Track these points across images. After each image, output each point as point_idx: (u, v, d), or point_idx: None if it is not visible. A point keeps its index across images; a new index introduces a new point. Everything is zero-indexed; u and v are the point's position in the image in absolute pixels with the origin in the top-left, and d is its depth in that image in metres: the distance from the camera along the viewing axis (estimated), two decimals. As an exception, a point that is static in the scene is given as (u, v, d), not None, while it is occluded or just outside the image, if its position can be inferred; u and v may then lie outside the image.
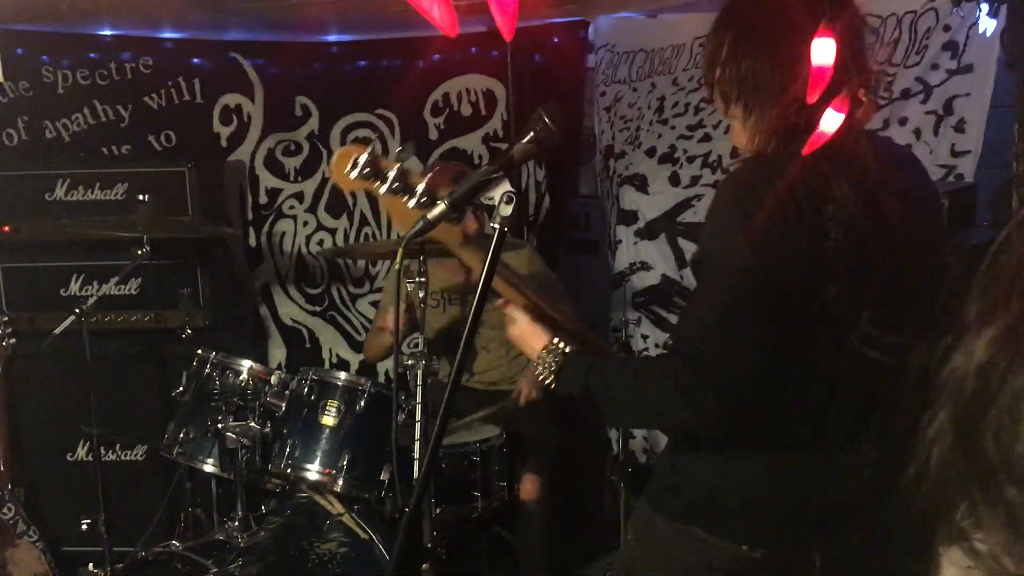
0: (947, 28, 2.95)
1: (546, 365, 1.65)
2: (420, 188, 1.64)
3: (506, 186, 1.44)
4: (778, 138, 1.48)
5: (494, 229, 1.44)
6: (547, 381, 1.66)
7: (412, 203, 1.63)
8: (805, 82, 1.38)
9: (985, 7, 2.40)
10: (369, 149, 1.69)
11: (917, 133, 3.10)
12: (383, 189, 1.66)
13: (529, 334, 1.70)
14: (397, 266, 1.51)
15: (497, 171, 1.45)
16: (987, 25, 2.54)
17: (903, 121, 3.13)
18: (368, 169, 1.67)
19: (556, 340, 1.66)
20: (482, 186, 1.45)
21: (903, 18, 3.07)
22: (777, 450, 1.58)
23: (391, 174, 1.65)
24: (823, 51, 1.33)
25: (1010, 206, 2.61)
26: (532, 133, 1.43)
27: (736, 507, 1.59)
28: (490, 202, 1.45)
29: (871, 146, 1.53)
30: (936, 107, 3.05)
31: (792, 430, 1.57)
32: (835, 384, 1.53)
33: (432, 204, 1.63)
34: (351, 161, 1.69)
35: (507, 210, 1.44)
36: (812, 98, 1.36)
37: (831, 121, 1.34)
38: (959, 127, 3.02)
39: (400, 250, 1.51)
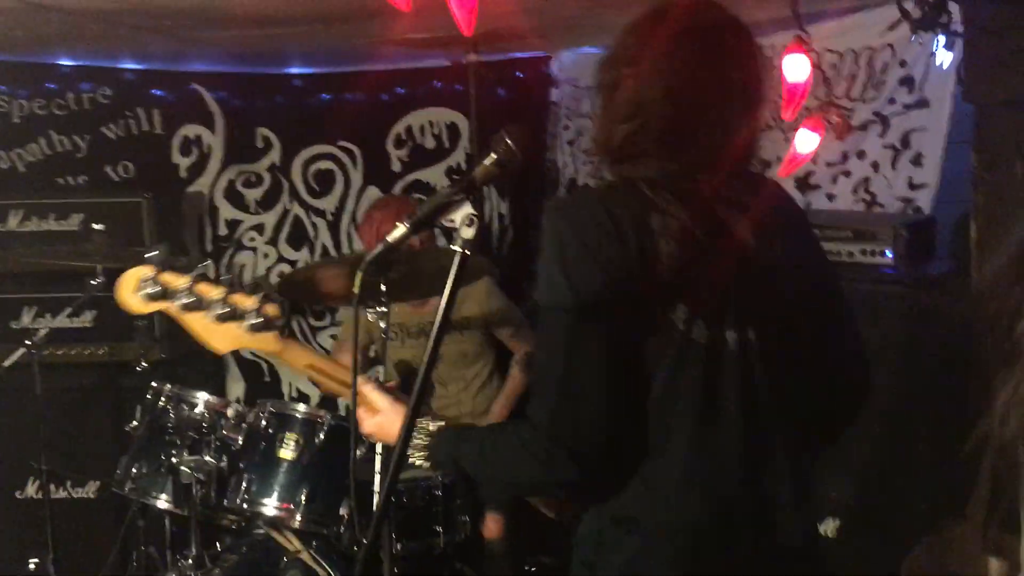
0: (903, 63, 3.00)
1: (414, 446, 1.51)
2: (217, 297, 1.58)
3: (468, 208, 1.42)
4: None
5: (455, 252, 1.41)
6: (419, 462, 1.53)
7: (211, 316, 1.57)
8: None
9: (942, 39, 2.44)
10: (152, 267, 1.61)
11: (875, 166, 3.14)
12: (174, 308, 1.59)
13: (390, 423, 1.58)
14: (356, 289, 1.47)
15: (459, 193, 1.42)
16: (943, 58, 2.59)
17: (861, 155, 3.17)
18: (156, 288, 1.59)
19: (422, 424, 1.52)
20: (443, 208, 1.43)
21: (861, 53, 3.11)
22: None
23: (181, 288, 1.57)
24: (796, 68, 1.32)
25: (968, 238, 2.63)
26: (494, 155, 1.41)
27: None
28: (451, 224, 1.43)
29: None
30: (894, 141, 3.09)
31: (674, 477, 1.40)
32: (732, 421, 1.39)
33: (240, 317, 1.57)
34: (136, 283, 1.61)
35: (469, 232, 1.41)
36: (791, 115, 1.35)
37: (807, 142, 1.34)
38: (916, 160, 3.06)
39: (359, 273, 1.48)
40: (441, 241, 3.41)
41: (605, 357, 1.34)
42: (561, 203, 1.47)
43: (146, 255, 1.69)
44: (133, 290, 1.61)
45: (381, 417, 1.61)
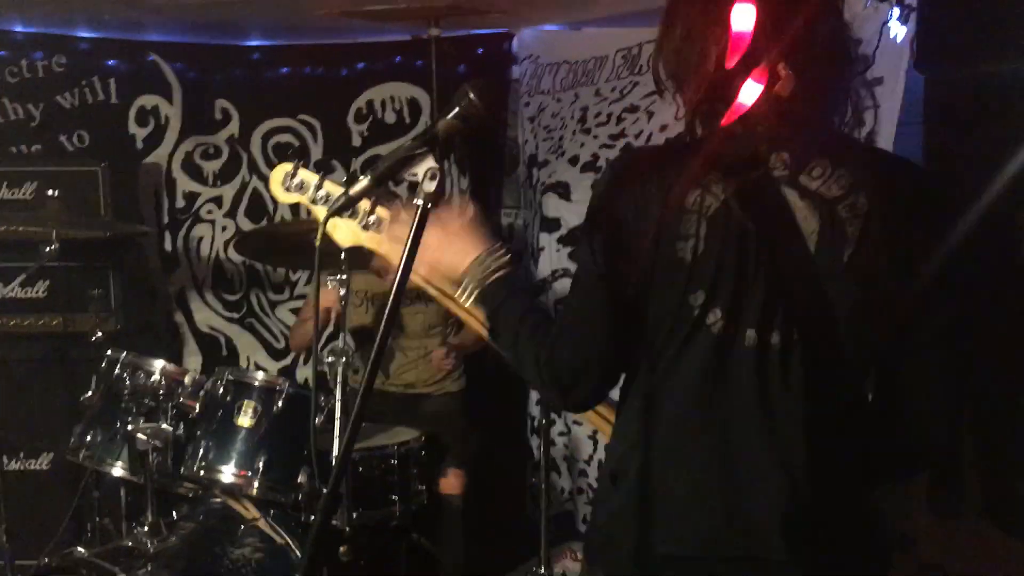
0: (859, 41, 3.05)
1: (472, 284, 1.54)
2: (338, 195, 1.73)
3: (430, 162, 1.42)
4: (700, 118, 1.42)
5: (417, 206, 1.42)
6: (471, 290, 1.55)
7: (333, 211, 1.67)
8: (723, 53, 1.33)
9: (896, 11, 2.48)
10: (292, 164, 1.81)
11: (830, 143, 3.20)
12: (307, 200, 1.79)
13: (459, 241, 1.60)
14: (317, 242, 1.48)
15: (421, 147, 1.43)
16: (897, 31, 2.62)
17: (817, 132, 3.22)
18: (295, 181, 1.81)
19: (487, 251, 1.56)
20: (406, 162, 1.43)
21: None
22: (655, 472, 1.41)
23: (314, 184, 1.78)
24: (742, 17, 1.33)
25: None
26: (457, 108, 1.42)
27: (631, 546, 1.42)
28: (414, 178, 1.44)
29: (799, 138, 1.36)
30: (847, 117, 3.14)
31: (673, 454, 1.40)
32: (728, 411, 1.36)
33: (356, 215, 1.74)
34: (282, 176, 1.82)
35: (431, 186, 1.42)
36: (729, 63, 1.34)
37: (749, 92, 1.34)
38: (870, 138, 3.11)
39: (321, 225, 1.49)
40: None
41: (613, 317, 1.39)
42: (612, 165, 1.45)
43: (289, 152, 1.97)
44: (280, 182, 1.81)
45: (442, 234, 1.61)
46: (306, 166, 1.84)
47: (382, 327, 1.37)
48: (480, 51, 4.48)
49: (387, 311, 1.36)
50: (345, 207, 1.47)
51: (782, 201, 1.34)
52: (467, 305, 1.57)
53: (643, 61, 3.71)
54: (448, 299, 1.72)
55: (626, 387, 1.49)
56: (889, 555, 1.47)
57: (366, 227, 1.77)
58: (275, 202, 4.30)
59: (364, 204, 1.75)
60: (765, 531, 1.36)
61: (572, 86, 4.11)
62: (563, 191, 4.05)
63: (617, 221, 1.37)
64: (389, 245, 1.76)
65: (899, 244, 1.33)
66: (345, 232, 1.78)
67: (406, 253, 1.40)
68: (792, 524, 1.35)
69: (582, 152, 3.97)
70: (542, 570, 3.06)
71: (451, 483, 3.26)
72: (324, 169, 4.26)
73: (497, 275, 1.54)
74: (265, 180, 4.33)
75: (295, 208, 4.30)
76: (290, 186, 1.82)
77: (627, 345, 1.42)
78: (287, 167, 1.82)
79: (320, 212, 1.81)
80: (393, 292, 1.39)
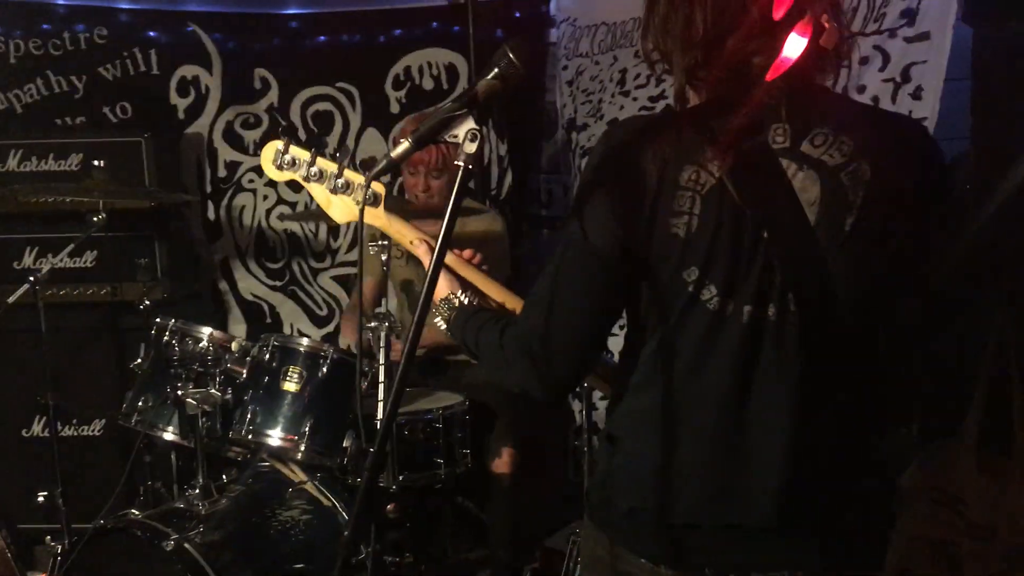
0: (904, -6, 2.99)
1: (440, 313, 1.68)
2: (332, 171, 1.76)
3: (471, 123, 1.43)
4: (694, 84, 1.37)
5: (458, 167, 1.43)
6: (441, 324, 1.69)
7: (329, 187, 1.75)
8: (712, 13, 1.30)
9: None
10: (284, 140, 1.80)
11: (875, 100, 3.14)
12: (300, 177, 1.78)
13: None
14: (360, 206, 1.49)
15: (461, 108, 1.43)
16: (944, -16, 2.57)
17: (861, 89, 3.16)
18: (286, 157, 1.79)
19: (455, 293, 1.68)
20: (446, 123, 1.44)
21: (861, -14, 3.10)
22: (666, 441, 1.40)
23: (306, 160, 1.77)
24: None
25: (967, 169, 2.65)
26: (496, 69, 1.42)
27: (625, 507, 1.43)
28: (454, 140, 1.44)
29: (817, 108, 1.33)
30: (894, 75, 3.08)
31: (676, 423, 1.39)
32: (720, 384, 1.35)
33: (352, 191, 1.76)
34: (273, 153, 1.81)
35: (471, 148, 1.42)
36: (778, 14, 1.31)
37: (794, 46, 1.32)
38: (916, 94, 3.05)
39: (366, 183, 1.50)
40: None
41: (598, 296, 1.39)
42: (604, 136, 1.39)
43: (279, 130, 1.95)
44: (271, 160, 1.81)
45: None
46: (296, 143, 1.83)
47: (421, 299, 1.39)
48: (517, 14, 4.46)
49: (426, 282, 1.38)
50: (386, 170, 1.47)
51: (780, 173, 1.31)
52: (442, 327, 1.69)
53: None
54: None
55: (625, 357, 1.48)
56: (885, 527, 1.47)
57: (362, 202, 1.76)
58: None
59: (358, 178, 1.76)
60: (755, 502, 1.35)
61: (611, 48, 4.07)
62: (602, 154, 4.03)
63: (610, 196, 1.34)
64: (387, 219, 1.77)
65: (900, 209, 1.32)
66: (341, 209, 1.79)
67: (447, 218, 1.41)
68: (782, 495, 1.35)
69: (621, 115, 3.94)
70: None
71: (504, 462, 3.25)
72: (354, 139, 4.29)
73: (459, 303, 1.67)
74: (305, 149, 4.36)
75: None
76: (282, 163, 1.80)
77: (611, 323, 1.42)
78: (278, 144, 1.81)
79: (315, 189, 1.81)
80: (432, 262, 1.40)
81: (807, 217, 1.31)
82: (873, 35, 3.09)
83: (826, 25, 1.31)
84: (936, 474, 2.04)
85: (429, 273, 1.40)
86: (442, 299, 1.68)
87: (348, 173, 1.78)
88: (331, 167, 1.78)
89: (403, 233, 1.79)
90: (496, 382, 1.57)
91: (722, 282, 1.31)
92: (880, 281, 1.35)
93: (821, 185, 1.30)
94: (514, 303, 1.74)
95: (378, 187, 1.73)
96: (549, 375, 1.43)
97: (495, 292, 1.75)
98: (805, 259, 1.32)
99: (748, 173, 1.30)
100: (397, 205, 2.62)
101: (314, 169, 1.79)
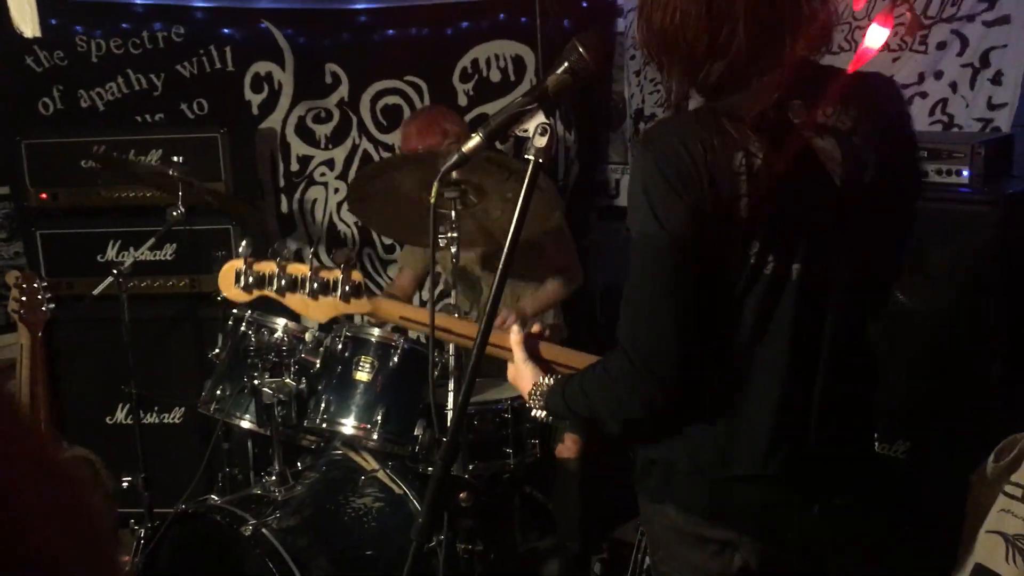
0: (982, -22, 2.91)
1: (536, 405, 1.68)
2: (305, 275, 1.72)
3: (541, 118, 1.45)
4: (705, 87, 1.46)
5: (529, 160, 1.44)
6: (540, 416, 1.68)
7: (306, 292, 1.72)
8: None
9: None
10: (244, 259, 1.77)
11: (953, 87, 3.07)
12: (272, 292, 1.75)
13: (519, 377, 1.73)
14: (432, 200, 1.52)
15: (532, 103, 1.45)
16: (1025, -33, 2.50)
17: (939, 75, 3.09)
18: (252, 278, 1.74)
19: (540, 380, 1.67)
20: (517, 118, 1.46)
21: (938, -30, 3.02)
22: (723, 415, 1.51)
23: (273, 273, 1.73)
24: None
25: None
26: (566, 63, 1.43)
27: (695, 478, 1.53)
28: (524, 134, 1.46)
29: (806, 78, 1.45)
30: (972, 60, 3.01)
31: (741, 397, 1.50)
32: (782, 343, 1.46)
33: (331, 288, 1.71)
34: (233, 276, 1.77)
35: (542, 141, 1.44)
36: (858, 5, 1.35)
37: (876, 37, 1.33)
38: (996, 79, 2.98)
39: (436, 184, 1.52)
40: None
41: (688, 287, 1.42)
42: (646, 137, 1.46)
43: (239, 249, 1.91)
44: (232, 283, 1.78)
45: (512, 368, 1.75)
46: (255, 259, 1.78)
47: (491, 297, 1.41)
48: (585, 4, 4.45)
49: (495, 283, 1.41)
50: (459, 164, 1.49)
51: (806, 144, 1.43)
52: (540, 416, 1.69)
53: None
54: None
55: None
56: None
57: (345, 297, 1.75)
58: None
59: (335, 275, 1.72)
60: (822, 468, 1.52)
61: (679, 37, 4.04)
62: (671, 144, 4.00)
63: (675, 190, 1.38)
64: (374, 305, 1.77)
65: (901, 158, 1.54)
66: (322, 309, 1.75)
67: (517, 213, 1.43)
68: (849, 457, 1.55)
69: (689, 104, 3.91)
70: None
71: (568, 447, 3.28)
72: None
73: (548, 384, 1.67)
74: (375, 143, 4.42)
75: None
76: (247, 284, 1.75)
77: (704, 317, 1.44)
78: (237, 264, 1.76)
79: (292, 300, 1.75)
80: (500, 266, 1.43)
81: (834, 179, 1.44)
82: (950, 20, 3.02)
83: (817, 7, 1.40)
84: (1011, 468, 2.00)
85: (498, 275, 1.42)
86: (530, 393, 1.68)
87: (323, 272, 1.74)
88: (303, 271, 1.73)
89: (391, 311, 1.81)
90: (622, 418, 1.53)
91: (777, 251, 1.42)
92: (899, 226, 1.57)
93: (841, 149, 1.44)
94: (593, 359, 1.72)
95: (356, 275, 1.72)
96: (664, 380, 1.44)
97: (575, 359, 1.74)
98: (839, 216, 1.45)
99: (782, 149, 1.40)
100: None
101: (285, 279, 1.74)
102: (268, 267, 1.74)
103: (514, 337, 1.73)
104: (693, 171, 1.36)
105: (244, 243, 1.94)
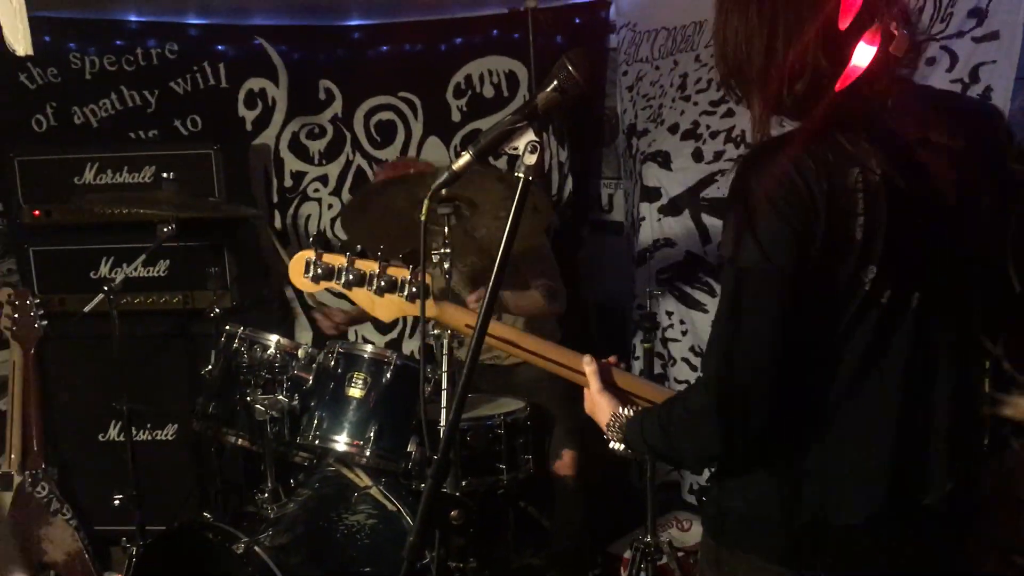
0: (971, -6, 2.93)
1: (614, 437, 1.64)
2: (374, 271, 1.72)
3: (530, 135, 1.45)
4: (786, 109, 1.38)
5: (519, 179, 1.45)
6: (618, 449, 1.65)
7: (373, 289, 1.72)
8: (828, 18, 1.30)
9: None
10: (314, 250, 1.75)
11: (942, 102, 3.08)
12: (339, 286, 1.73)
13: (596, 408, 1.70)
14: (423, 217, 1.52)
15: (521, 120, 1.45)
16: (1014, -17, 2.52)
17: (928, 90, 3.11)
18: (321, 269, 1.73)
19: (619, 411, 1.64)
20: (507, 135, 1.46)
21: (927, -14, 3.04)
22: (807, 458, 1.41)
23: (342, 266, 1.72)
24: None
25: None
26: (556, 81, 1.44)
27: (781, 525, 1.42)
28: (514, 152, 1.46)
29: (910, 95, 1.38)
30: (962, 75, 3.02)
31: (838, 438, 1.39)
32: (895, 379, 1.36)
33: (398, 287, 1.71)
34: (302, 266, 1.76)
35: (531, 159, 1.45)
36: (844, 23, 1.31)
37: (863, 55, 1.31)
38: (985, 95, 2.99)
39: (426, 201, 1.52)
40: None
41: (792, 321, 1.31)
42: (753, 158, 1.35)
43: (311, 239, 1.85)
44: (302, 272, 1.75)
45: (588, 397, 1.72)
46: (328, 250, 1.77)
47: (483, 309, 1.41)
48: (577, 21, 4.47)
49: (486, 297, 1.41)
50: (449, 182, 1.50)
51: (922, 162, 1.34)
52: (619, 449, 1.64)
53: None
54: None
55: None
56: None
57: (411, 298, 1.74)
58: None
59: (403, 273, 1.73)
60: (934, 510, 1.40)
61: (671, 53, 4.06)
62: (663, 160, 4.01)
63: (782, 214, 1.28)
64: (440, 309, 1.77)
65: (1004, 179, 1.43)
66: (387, 307, 1.76)
67: (508, 229, 1.44)
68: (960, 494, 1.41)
69: (682, 120, 3.92)
70: (648, 539, 3.07)
71: (566, 464, 3.26)
72: (416, 147, 4.31)
73: (627, 417, 1.62)
74: (369, 159, 4.43)
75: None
76: (316, 275, 1.74)
77: (798, 355, 1.34)
78: (308, 254, 1.75)
79: (358, 294, 1.75)
80: (492, 279, 1.43)
81: (949, 200, 1.36)
82: (939, 36, 3.03)
83: (895, 32, 1.31)
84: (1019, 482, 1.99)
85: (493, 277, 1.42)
86: (608, 425, 1.65)
87: (392, 270, 1.74)
88: (372, 267, 1.73)
89: (457, 319, 1.79)
90: (704, 457, 1.48)
91: (894, 276, 1.32)
92: (1008, 249, 1.44)
93: (957, 169, 1.35)
94: (669, 393, 1.68)
95: (426, 278, 1.71)
96: (751, 419, 1.34)
97: (649, 391, 1.71)
98: (957, 241, 1.37)
99: (900, 166, 1.31)
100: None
101: (353, 274, 1.74)
102: (337, 260, 1.73)
103: (588, 367, 1.70)
104: (804, 191, 1.27)
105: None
